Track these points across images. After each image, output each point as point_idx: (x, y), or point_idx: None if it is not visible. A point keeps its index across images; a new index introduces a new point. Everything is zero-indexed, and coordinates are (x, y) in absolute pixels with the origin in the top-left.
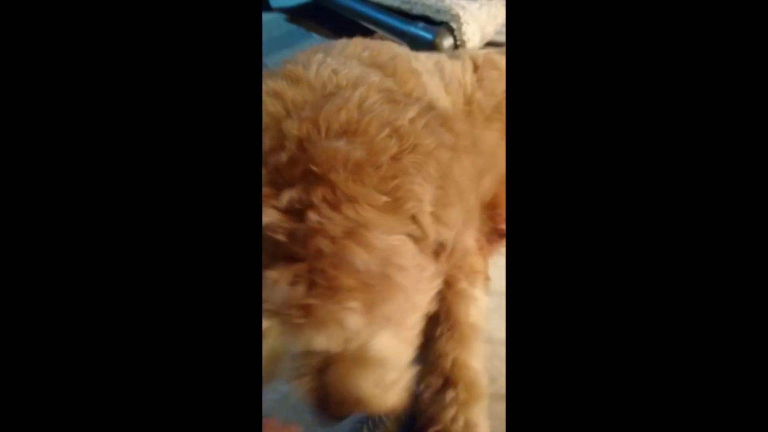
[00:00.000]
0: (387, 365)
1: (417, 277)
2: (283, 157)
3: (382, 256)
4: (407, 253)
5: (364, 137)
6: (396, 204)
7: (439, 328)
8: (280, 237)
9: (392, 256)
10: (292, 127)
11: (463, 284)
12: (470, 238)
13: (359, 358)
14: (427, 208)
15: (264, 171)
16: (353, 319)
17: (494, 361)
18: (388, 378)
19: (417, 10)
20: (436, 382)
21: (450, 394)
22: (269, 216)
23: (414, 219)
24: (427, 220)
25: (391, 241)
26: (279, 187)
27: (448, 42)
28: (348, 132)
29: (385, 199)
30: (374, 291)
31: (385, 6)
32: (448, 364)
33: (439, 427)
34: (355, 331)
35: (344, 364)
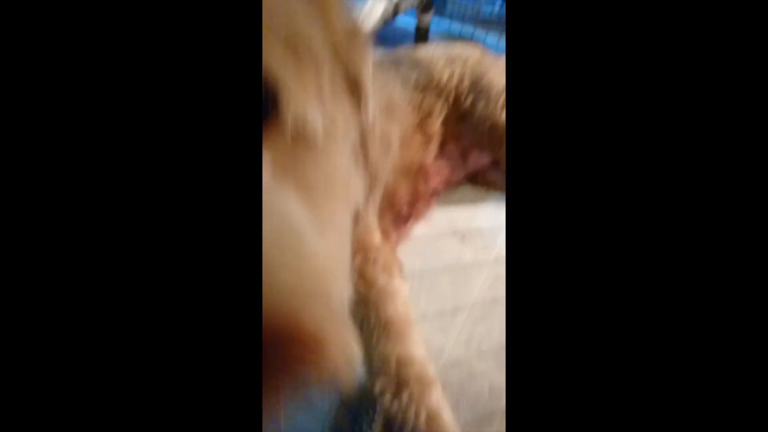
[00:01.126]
0: None
1: None
2: None
3: None
4: None
5: None
6: None
7: (374, 333)
8: None
9: None
10: None
11: (381, 280)
12: (376, 233)
13: None
14: None
15: None
16: None
17: (437, 335)
18: None
19: None
20: (390, 386)
21: (405, 394)
22: None
23: None
24: None
25: None
26: None
27: None
28: None
29: None
30: None
31: None
32: (393, 365)
33: (408, 429)
34: None
35: None
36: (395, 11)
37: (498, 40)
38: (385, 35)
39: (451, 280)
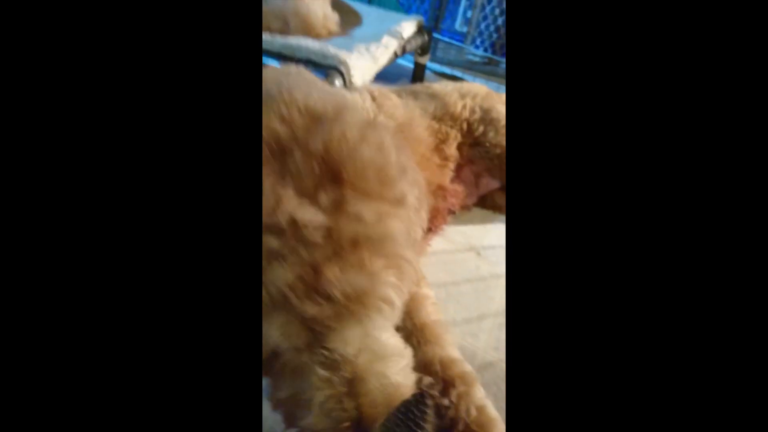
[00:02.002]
0: (398, 351)
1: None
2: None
3: (402, 236)
4: (413, 233)
5: (379, 148)
6: (401, 197)
7: (412, 338)
8: (318, 237)
9: (406, 237)
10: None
11: (413, 288)
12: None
13: (381, 354)
14: (412, 200)
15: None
16: (393, 293)
17: (467, 338)
18: (404, 362)
19: (301, 54)
20: (438, 386)
21: (453, 393)
22: (314, 215)
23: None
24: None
25: (403, 224)
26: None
27: (338, 82)
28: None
29: (398, 194)
30: (402, 265)
31: (266, 51)
32: (437, 367)
33: (461, 427)
34: (397, 307)
35: (370, 364)
36: (403, 51)
37: (484, 82)
38: (388, 72)
39: (473, 290)
